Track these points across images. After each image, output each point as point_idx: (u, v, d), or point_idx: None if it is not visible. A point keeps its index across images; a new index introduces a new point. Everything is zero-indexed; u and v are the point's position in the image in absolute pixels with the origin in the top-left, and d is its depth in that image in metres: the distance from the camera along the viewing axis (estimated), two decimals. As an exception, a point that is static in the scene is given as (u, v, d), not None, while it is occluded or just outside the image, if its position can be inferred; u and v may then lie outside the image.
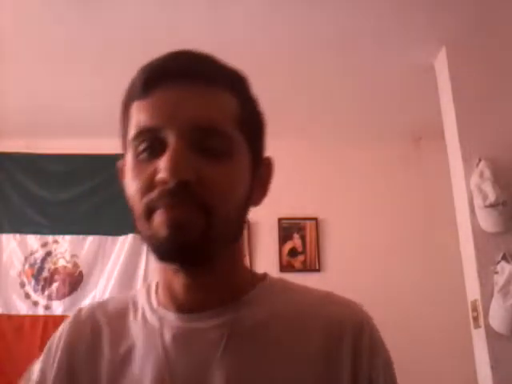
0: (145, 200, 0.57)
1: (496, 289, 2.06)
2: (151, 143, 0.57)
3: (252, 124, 0.64)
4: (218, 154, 0.58)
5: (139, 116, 0.59)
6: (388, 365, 0.63)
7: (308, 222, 3.22)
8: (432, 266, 3.00)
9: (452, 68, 2.37)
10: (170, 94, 0.58)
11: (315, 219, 3.22)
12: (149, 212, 0.56)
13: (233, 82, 0.62)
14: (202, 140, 0.57)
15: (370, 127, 3.26)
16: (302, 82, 2.78)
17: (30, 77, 2.70)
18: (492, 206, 2.14)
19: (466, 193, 2.23)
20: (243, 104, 0.62)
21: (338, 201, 3.25)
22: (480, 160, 2.22)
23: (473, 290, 2.17)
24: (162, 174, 0.54)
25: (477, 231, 2.16)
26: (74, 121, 3.12)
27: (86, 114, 3.05)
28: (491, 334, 2.05)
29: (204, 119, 0.57)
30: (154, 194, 0.56)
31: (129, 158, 0.60)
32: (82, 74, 2.66)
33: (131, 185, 0.59)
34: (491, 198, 2.14)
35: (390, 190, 3.26)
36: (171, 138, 0.56)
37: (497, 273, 2.09)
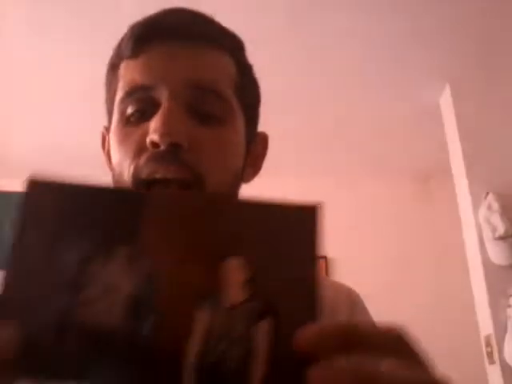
0: (132, 167, 0.50)
1: (509, 323, 2.01)
2: (142, 104, 0.52)
3: (249, 92, 0.59)
4: (214, 119, 0.52)
5: (129, 76, 0.53)
6: None
7: (317, 261, 3.20)
8: (444, 302, 2.94)
9: (457, 105, 2.41)
10: (164, 52, 0.53)
11: (324, 258, 3.20)
12: (136, 183, 0.50)
13: (232, 45, 0.58)
14: (198, 101, 0.52)
15: (379, 167, 3.29)
16: (311, 123, 2.83)
17: (46, 116, 2.78)
18: (502, 238, 2.12)
19: (475, 226, 2.21)
20: (241, 69, 0.58)
21: (347, 240, 3.23)
22: (488, 193, 2.22)
23: (486, 325, 2.12)
24: (151, 136, 0.49)
25: (487, 264, 2.13)
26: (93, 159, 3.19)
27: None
28: (507, 370, 1.98)
29: (201, 78, 0.53)
30: (142, 160, 0.50)
31: (115, 123, 0.54)
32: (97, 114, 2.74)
33: (117, 151, 0.53)
34: (500, 230, 2.12)
35: (400, 229, 3.25)
36: (164, 98, 0.50)
37: (510, 306, 2.04)
